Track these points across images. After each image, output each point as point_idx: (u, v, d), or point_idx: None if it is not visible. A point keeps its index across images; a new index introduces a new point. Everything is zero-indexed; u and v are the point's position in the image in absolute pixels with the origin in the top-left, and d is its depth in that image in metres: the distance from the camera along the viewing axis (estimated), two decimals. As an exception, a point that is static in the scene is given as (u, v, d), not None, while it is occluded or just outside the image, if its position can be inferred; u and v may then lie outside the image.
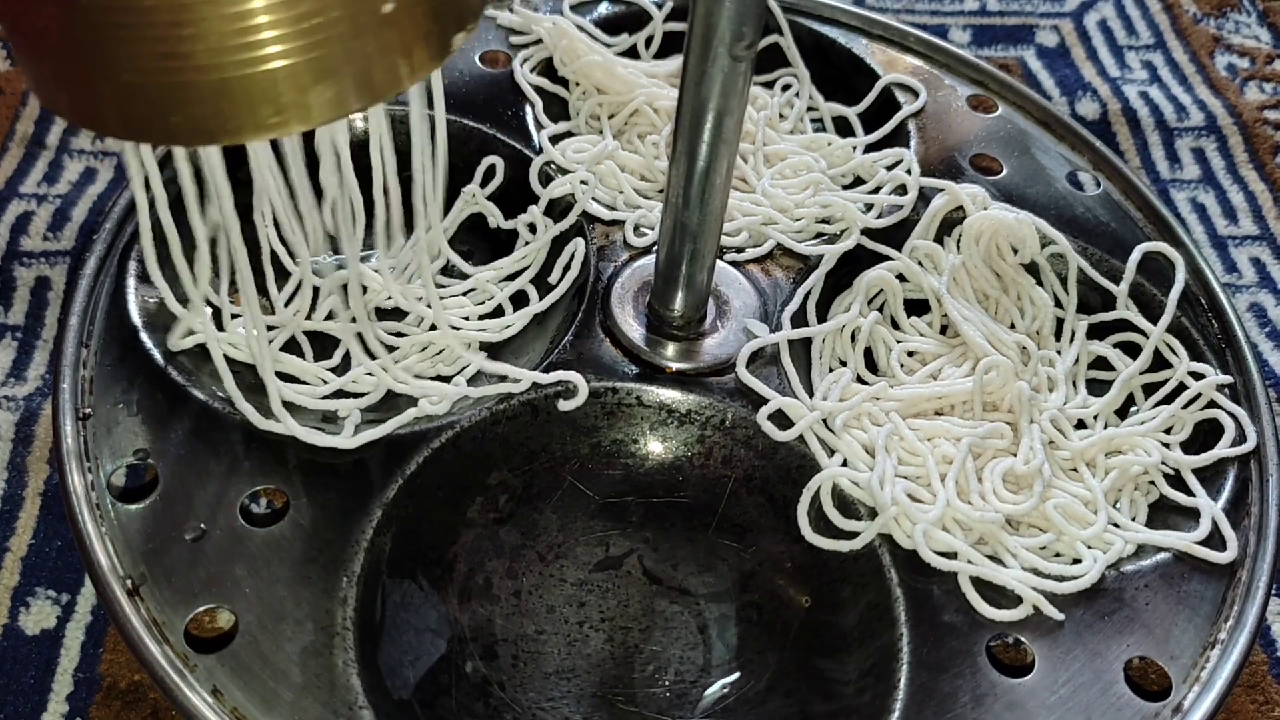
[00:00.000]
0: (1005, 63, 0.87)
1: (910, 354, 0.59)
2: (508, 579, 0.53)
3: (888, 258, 0.61)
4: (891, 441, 0.53)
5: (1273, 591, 0.52)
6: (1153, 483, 0.55)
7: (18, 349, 0.65)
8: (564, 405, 0.54)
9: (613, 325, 0.57)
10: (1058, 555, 0.52)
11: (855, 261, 0.61)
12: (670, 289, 0.56)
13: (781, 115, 0.70)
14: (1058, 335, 0.61)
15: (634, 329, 0.57)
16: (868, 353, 0.59)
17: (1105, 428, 0.57)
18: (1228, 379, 0.58)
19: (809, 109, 0.72)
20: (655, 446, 0.56)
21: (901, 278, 0.61)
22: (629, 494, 0.55)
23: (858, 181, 0.67)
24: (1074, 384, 0.59)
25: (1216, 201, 0.79)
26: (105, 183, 0.73)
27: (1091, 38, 0.90)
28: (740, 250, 0.62)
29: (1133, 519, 0.54)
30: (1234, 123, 0.83)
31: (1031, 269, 0.62)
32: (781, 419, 0.54)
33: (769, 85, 0.73)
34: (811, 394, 0.55)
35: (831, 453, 0.53)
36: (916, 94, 0.70)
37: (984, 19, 0.91)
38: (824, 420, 0.54)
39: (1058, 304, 0.62)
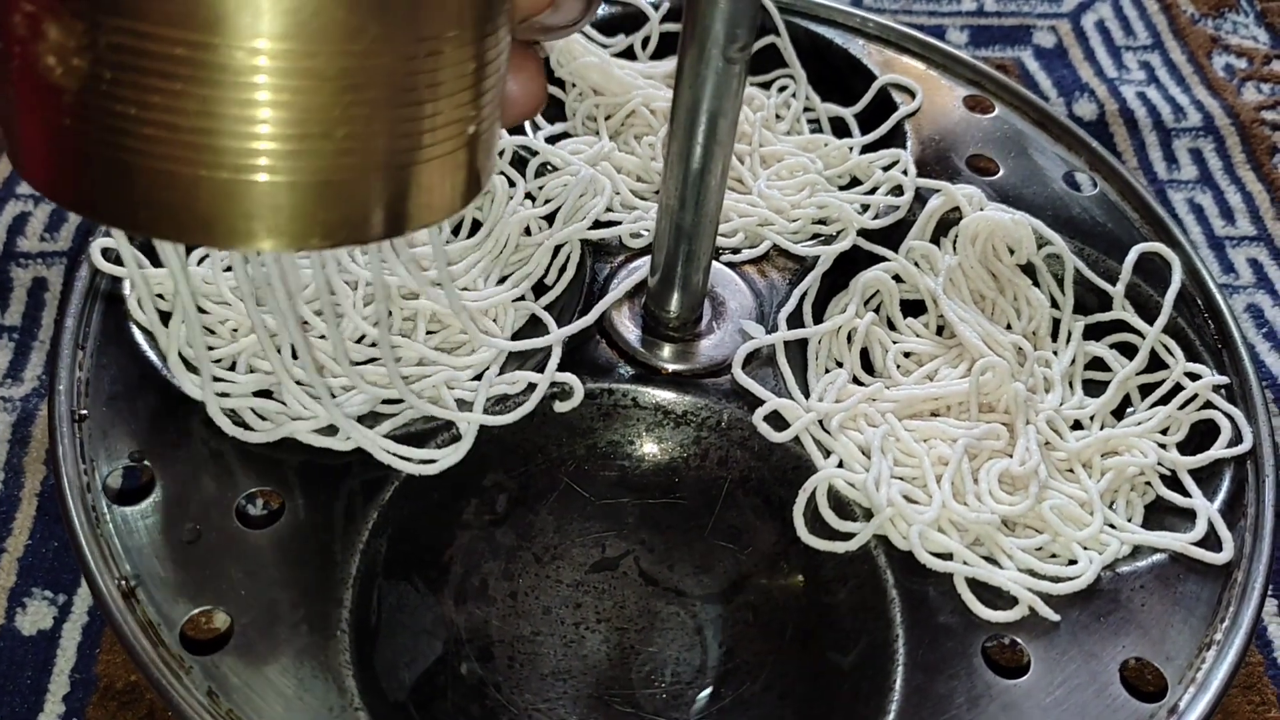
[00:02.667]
0: (1002, 63, 0.87)
1: (906, 355, 0.59)
2: (504, 580, 0.53)
3: (884, 258, 0.61)
4: (887, 442, 0.53)
5: (1269, 592, 0.52)
6: (1149, 483, 0.55)
7: (14, 350, 0.65)
8: (560, 407, 0.54)
9: (608, 326, 0.57)
10: (1054, 556, 0.52)
11: (851, 262, 0.61)
12: (666, 290, 0.56)
13: (778, 116, 0.70)
14: (1054, 336, 0.61)
15: (630, 330, 0.57)
16: (864, 354, 0.59)
17: (1101, 428, 0.57)
18: (1224, 380, 0.58)
19: (805, 110, 0.72)
20: (651, 448, 0.56)
21: (898, 279, 0.61)
22: (625, 495, 0.55)
23: (854, 182, 0.67)
24: (1070, 385, 0.59)
25: (1214, 202, 0.79)
26: (102, 184, 0.73)
27: (1089, 38, 0.90)
28: (736, 251, 0.62)
29: (1129, 520, 0.54)
30: (1231, 123, 0.83)
31: (1028, 270, 0.62)
32: (777, 420, 0.54)
33: (765, 86, 0.73)
34: (807, 395, 0.55)
35: (827, 454, 0.53)
36: (913, 94, 0.70)
37: (981, 19, 0.91)
38: (820, 421, 0.54)
39: (1054, 305, 0.62)
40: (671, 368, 0.56)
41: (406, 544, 0.51)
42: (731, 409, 0.55)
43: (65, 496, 0.49)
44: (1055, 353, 0.60)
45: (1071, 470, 0.55)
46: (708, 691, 0.51)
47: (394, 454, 0.51)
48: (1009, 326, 0.60)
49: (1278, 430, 0.57)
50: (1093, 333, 0.62)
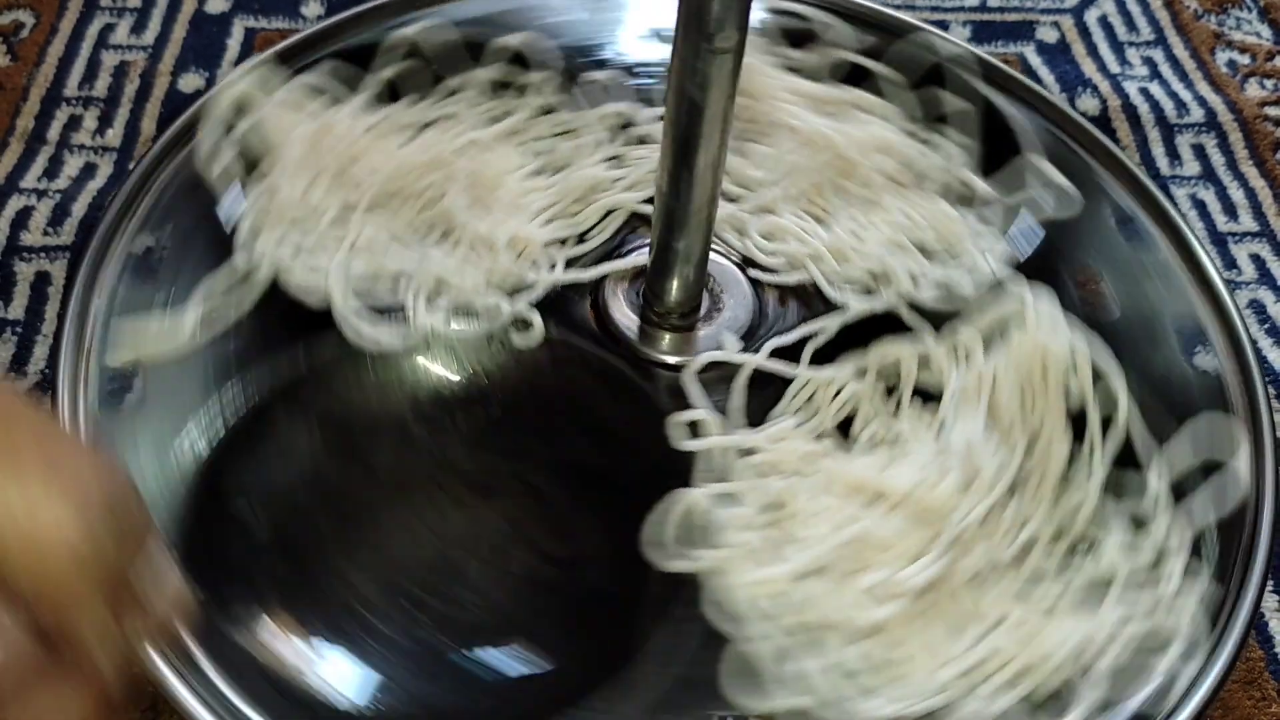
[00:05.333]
0: (1005, 58, 0.87)
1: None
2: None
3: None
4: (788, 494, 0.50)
5: (1269, 588, 0.52)
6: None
7: (17, 344, 0.65)
8: (517, 340, 0.55)
9: (604, 307, 0.58)
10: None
11: (881, 322, 0.58)
12: (658, 277, 0.56)
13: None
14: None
15: (626, 316, 0.58)
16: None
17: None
18: None
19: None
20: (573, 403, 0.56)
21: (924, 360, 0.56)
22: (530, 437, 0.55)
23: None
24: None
25: (1216, 198, 0.79)
26: (105, 178, 0.73)
27: (1092, 34, 0.90)
28: (771, 270, 0.61)
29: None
30: (1234, 119, 0.83)
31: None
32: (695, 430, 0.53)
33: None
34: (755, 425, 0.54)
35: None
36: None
37: (984, 15, 0.90)
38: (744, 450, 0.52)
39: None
40: (667, 358, 0.56)
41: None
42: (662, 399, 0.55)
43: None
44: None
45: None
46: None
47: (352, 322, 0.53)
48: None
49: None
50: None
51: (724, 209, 0.60)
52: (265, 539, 0.50)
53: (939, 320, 0.57)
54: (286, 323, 0.54)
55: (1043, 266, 0.60)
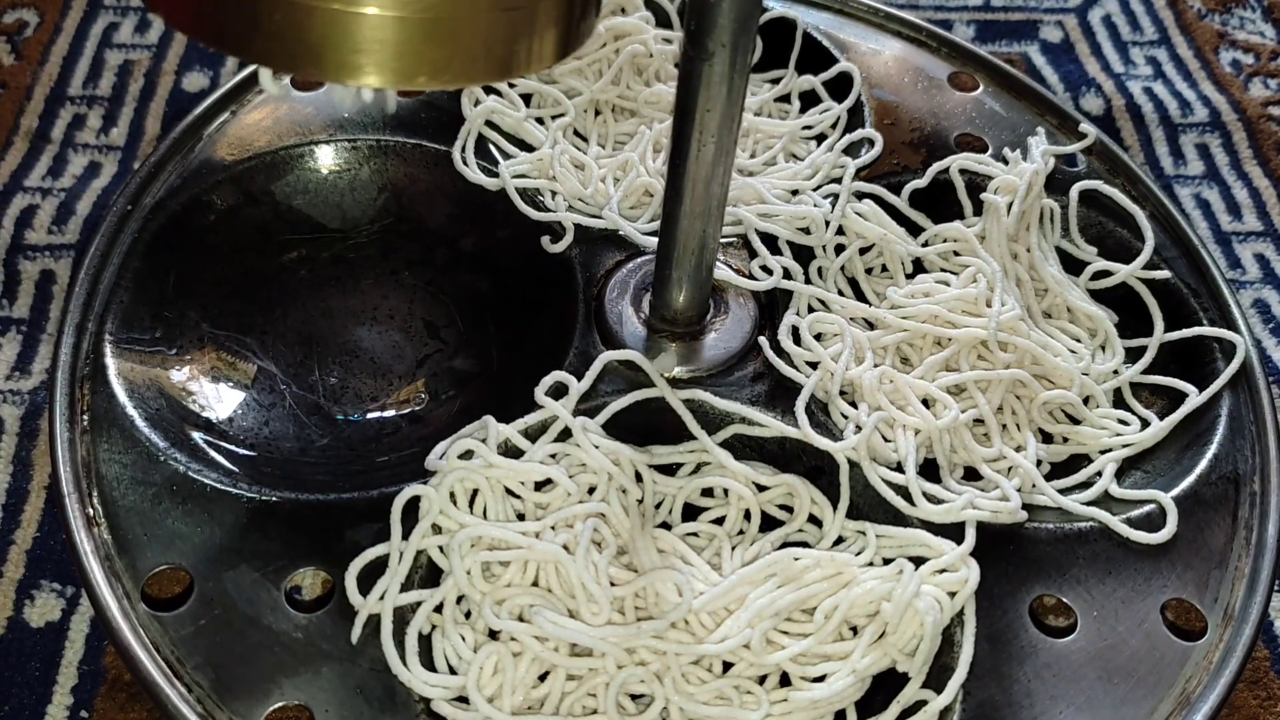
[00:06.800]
0: (1009, 58, 0.87)
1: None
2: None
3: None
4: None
5: (1275, 587, 0.52)
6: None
7: (22, 342, 0.65)
8: (550, 245, 0.59)
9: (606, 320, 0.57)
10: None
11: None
12: (666, 287, 0.56)
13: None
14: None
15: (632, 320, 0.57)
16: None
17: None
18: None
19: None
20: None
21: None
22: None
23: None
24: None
25: (1220, 197, 0.79)
26: (109, 177, 0.73)
27: (1096, 33, 0.90)
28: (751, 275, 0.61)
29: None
30: (1238, 119, 0.83)
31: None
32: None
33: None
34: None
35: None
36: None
37: (988, 14, 0.91)
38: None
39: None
40: (677, 371, 0.56)
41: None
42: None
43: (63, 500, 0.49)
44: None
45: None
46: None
47: None
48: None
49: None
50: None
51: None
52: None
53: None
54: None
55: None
